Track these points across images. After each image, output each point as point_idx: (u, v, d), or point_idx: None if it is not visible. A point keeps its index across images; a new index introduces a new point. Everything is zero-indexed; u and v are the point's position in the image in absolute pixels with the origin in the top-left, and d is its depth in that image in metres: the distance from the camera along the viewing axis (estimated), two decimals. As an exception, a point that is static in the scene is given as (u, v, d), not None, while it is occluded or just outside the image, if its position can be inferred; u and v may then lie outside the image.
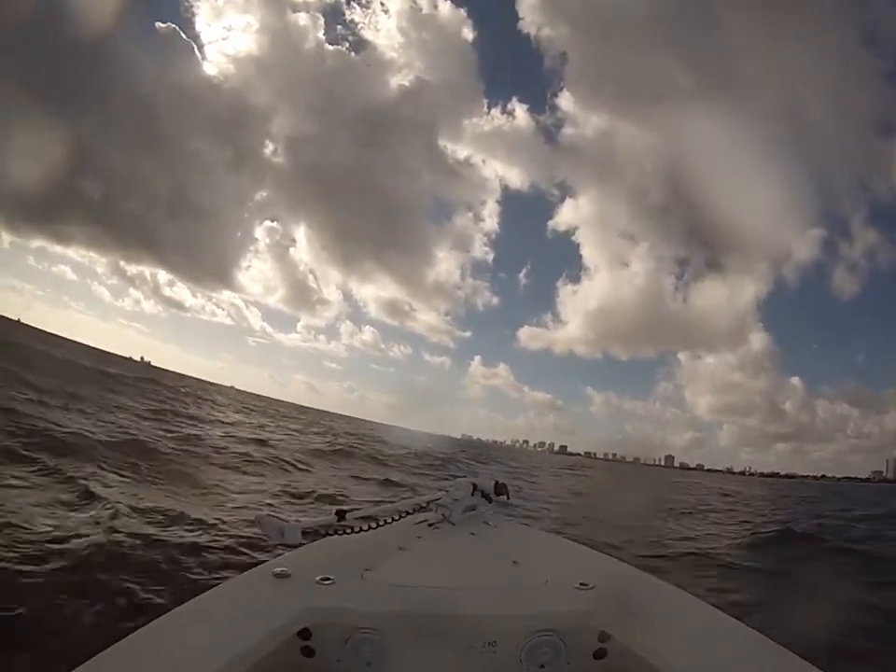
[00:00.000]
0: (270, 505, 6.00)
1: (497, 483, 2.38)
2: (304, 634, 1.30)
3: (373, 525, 1.86)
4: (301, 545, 1.65)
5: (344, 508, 1.88)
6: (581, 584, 1.46)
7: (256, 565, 1.62)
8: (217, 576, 3.38)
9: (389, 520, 1.94)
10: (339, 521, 1.82)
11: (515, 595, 1.47)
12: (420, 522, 2.08)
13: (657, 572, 1.76)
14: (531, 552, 1.86)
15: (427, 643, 1.31)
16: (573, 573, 1.52)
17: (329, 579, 1.44)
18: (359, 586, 1.46)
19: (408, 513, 2.10)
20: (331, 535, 1.75)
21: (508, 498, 2.42)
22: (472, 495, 2.26)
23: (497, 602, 1.42)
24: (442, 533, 2.02)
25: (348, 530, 1.77)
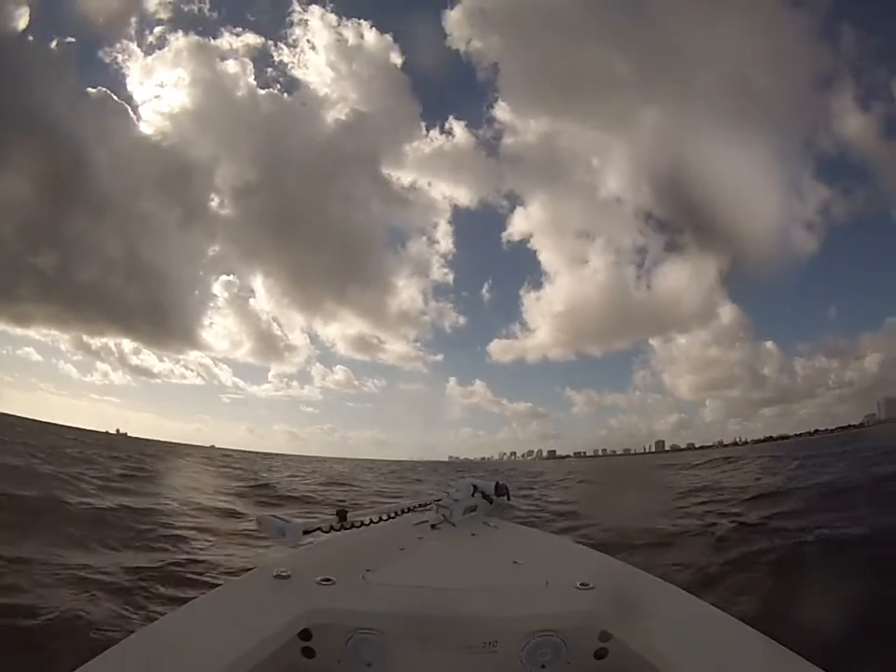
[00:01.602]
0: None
1: (497, 483, 2.38)
2: (305, 635, 1.30)
3: (374, 525, 1.86)
4: (301, 545, 1.66)
5: (345, 508, 1.88)
6: (582, 584, 1.46)
7: (256, 566, 1.63)
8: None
9: (390, 520, 1.94)
10: (340, 521, 1.82)
11: (516, 595, 1.47)
12: (421, 522, 2.08)
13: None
14: (531, 552, 1.86)
15: (427, 644, 1.31)
16: (573, 573, 1.52)
17: (329, 579, 1.44)
18: (360, 587, 1.46)
19: (409, 514, 2.10)
20: (332, 535, 1.75)
21: (508, 499, 2.42)
22: (473, 496, 2.26)
23: (497, 602, 1.42)
24: (443, 533, 2.02)
25: (350, 529, 1.77)
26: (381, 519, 1.97)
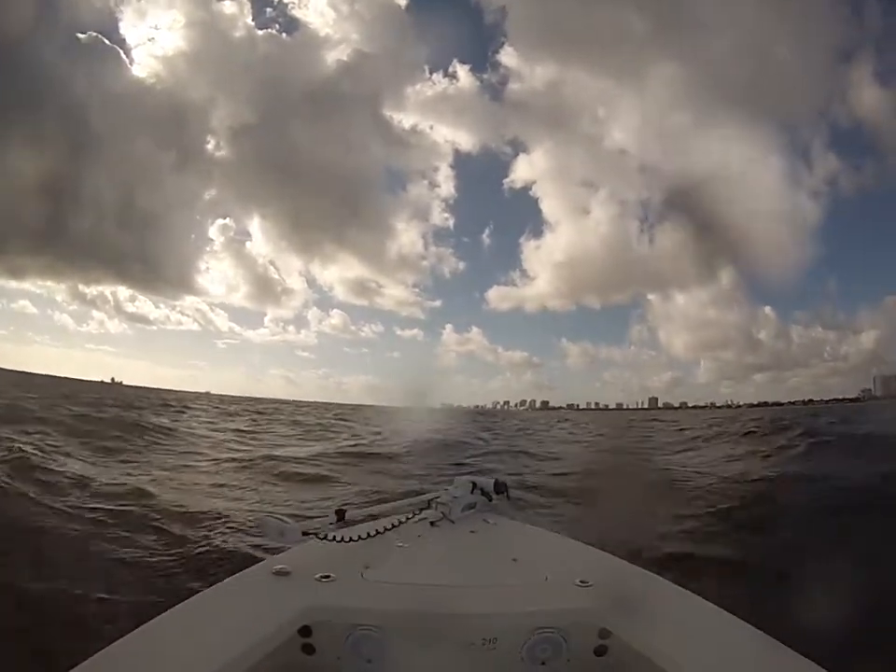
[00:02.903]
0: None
1: (496, 480, 2.37)
2: (305, 631, 1.30)
3: (373, 523, 1.86)
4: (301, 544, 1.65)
5: (344, 507, 1.88)
6: (581, 582, 1.46)
7: (256, 563, 1.62)
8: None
9: (389, 519, 1.94)
10: (338, 520, 1.82)
11: (515, 592, 1.47)
12: (420, 520, 2.08)
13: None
14: (531, 549, 1.86)
15: (427, 641, 1.31)
16: (573, 570, 1.52)
17: (328, 576, 1.44)
18: (359, 584, 1.46)
19: (408, 511, 2.10)
20: (331, 536, 1.74)
21: (508, 497, 2.41)
22: (472, 493, 2.26)
23: (497, 600, 1.42)
24: (442, 531, 2.01)
25: (348, 530, 1.77)
26: (380, 517, 1.96)
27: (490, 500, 2.32)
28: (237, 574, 1.56)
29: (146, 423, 13.21)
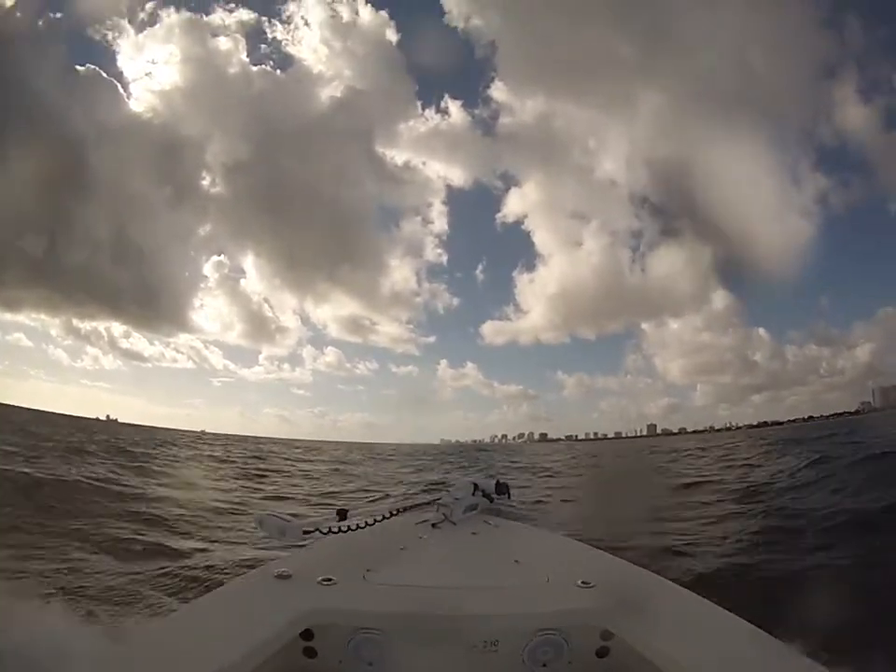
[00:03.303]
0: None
1: (497, 482, 2.37)
2: (306, 635, 1.30)
3: (375, 524, 1.86)
4: (302, 545, 1.66)
5: (346, 508, 1.88)
6: (583, 583, 1.45)
7: (257, 566, 1.62)
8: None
9: (391, 520, 1.94)
10: (340, 521, 1.82)
11: (517, 594, 1.47)
12: (422, 522, 2.08)
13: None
14: (532, 551, 1.86)
15: (429, 643, 1.31)
16: (575, 572, 1.52)
17: (330, 579, 1.44)
18: (361, 587, 1.45)
19: (409, 514, 2.10)
20: (333, 535, 1.75)
21: (509, 498, 2.41)
22: (473, 494, 2.26)
23: (498, 601, 1.42)
24: (444, 533, 2.01)
25: (350, 530, 1.77)
26: (381, 518, 1.96)
27: (491, 502, 2.32)
28: (239, 577, 1.56)
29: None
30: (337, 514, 1.86)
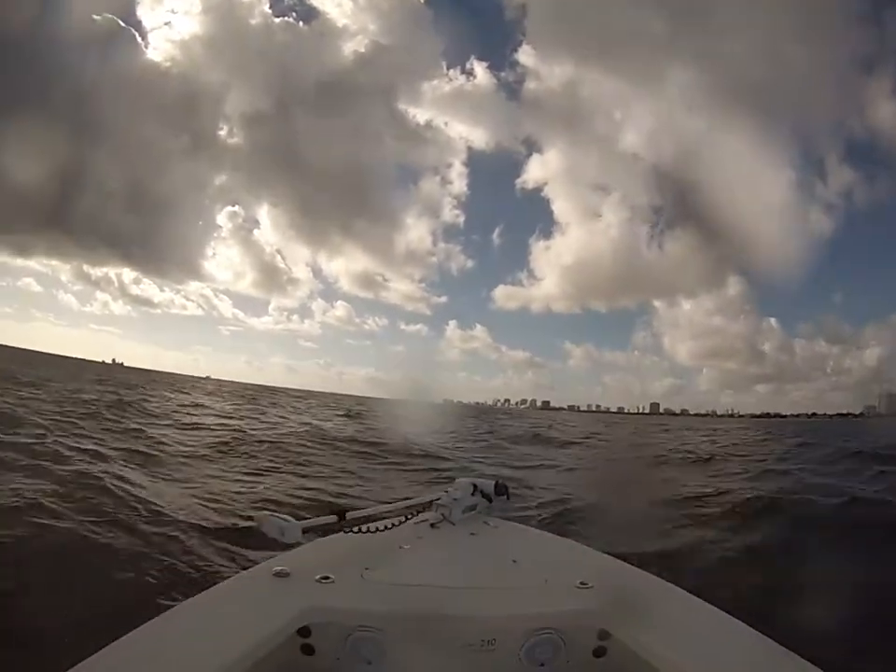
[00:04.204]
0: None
1: (497, 482, 2.37)
2: (304, 632, 1.30)
3: (373, 524, 1.86)
4: (301, 544, 1.66)
5: (344, 507, 1.88)
6: (581, 583, 1.46)
7: (255, 564, 1.63)
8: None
9: (389, 520, 1.94)
10: (339, 520, 1.82)
11: (515, 594, 1.48)
12: (420, 521, 2.08)
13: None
14: (531, 551, 1.86)
15: (426, 642, 1.31)
16: (573, 572, 1.52)
17: (328, 578, 1.44)
18: (359, 585, 1.46)
19: (408, 513, 2.10)
20: (331, 534, 1.75)
21: (508, 498, 2.41)
22: (472, 494, 2.26)
23: (496, 601, 1.42)
24: (442, 533, 2.02)
25: (348, 529, 1.77)
26: (380, 518, 1.96)
27: (490, 502, 2.32)
28: (237, 575, 1.56)
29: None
30: (336, 514, 1.86)
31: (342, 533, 1.76)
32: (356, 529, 1.78)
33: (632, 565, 1.74)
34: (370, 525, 1.85)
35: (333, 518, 1.81)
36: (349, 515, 1.85)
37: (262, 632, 1.20)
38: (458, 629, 1.33)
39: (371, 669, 1.32)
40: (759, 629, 1.28)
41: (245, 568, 1.59)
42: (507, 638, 1.33)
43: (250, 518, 4.17)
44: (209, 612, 1.32)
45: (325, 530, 1.75)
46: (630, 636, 1.26)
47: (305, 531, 1.65)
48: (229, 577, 1.53)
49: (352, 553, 1.65)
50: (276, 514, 1.67)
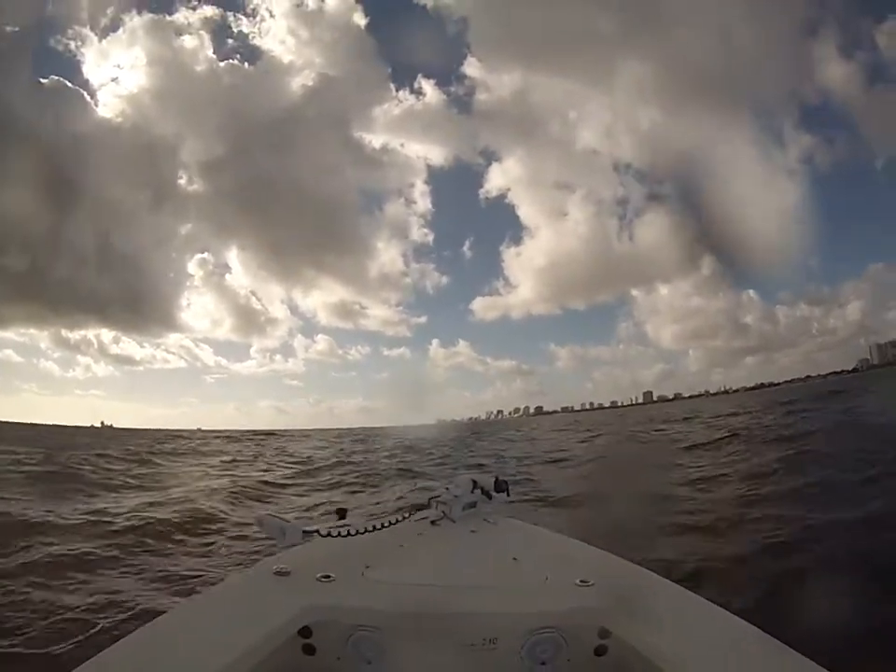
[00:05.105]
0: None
1: (497, 479, 2.37)
2: (305, 632, 1.30)
3: (374, 522, 1.86)
4: (301, 544, 1.65)
5: (345, 507, 1.88)
6: (582, 581, 1.45)
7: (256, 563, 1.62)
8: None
9: (390, 518, 1.94)
10: (339, 520, 1.82)
11: (516, 592, 1.47)
12: (420, 519, 2.08)
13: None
14: (531, 549, 1.86)
15: (427, 641, 1.31)
16: (573, 570, 1.52)
17: (329, 576, 1.44)
18: (360, 584, 1.46)
19: (408, 511, 2.10)
20: (332, 534, 1.75)
21: (508, 495, 2.41)
22: (473, 492, 2.26)
23: (497, 599, 1.42)
24: (443, 530, 2.02)
25: (349, 529, 1.77)
26: (380, 518, 1.96)
27: (490, 499, 2.32)
28: (238, 574, 1.56)
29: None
30: (336, 513, 1.86)
31: (342, 532, 1.75)
32: (356, 528, 1.77)
33: (633, 562, 1.74)
34: (370, 523, 1.85)
35: (334, 518, 1.81)
36: (349, 514, 1.85)
37: (263, 631, 1.19)
38: (459, 628, 1.33)
39: (371, 669, 1.32)
40: (760, 627, 1.29)
41: (246, 568, 1.59)
42: (508, 637, 1.33)
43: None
44: (210, 612, 1.32)
45: (326, 530, 1.75)
46: (631, 633, 1.26)
47: (306, 532, 1.65)
48: (230, 576, 1.52)
49: (352, 552, 1.65)
50: (277, 515, 1.67)
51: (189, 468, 12.84)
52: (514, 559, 1.69)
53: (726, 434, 12.03)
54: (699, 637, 1.27)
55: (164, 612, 1.29)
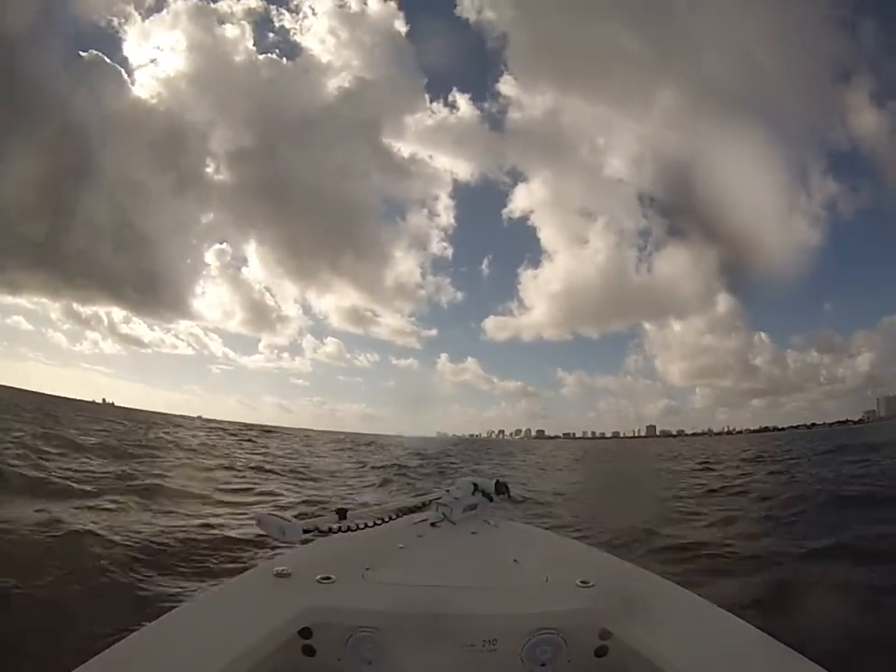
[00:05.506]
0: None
1: (497, 481, 2.37)
2: (305, 633, 1.30)
3: (374, 524, 1.86)
4: (301, 544, 1.65)
5: (345, 507, 1.88)
6: (582, 582, 1.45)
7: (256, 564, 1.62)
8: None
9: (390, 519, 1.94)
10: (340, 520, 1.82)
11: (516, 593, 1.47)
12: (421, 521, 2.08)
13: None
14: (532, 550, 1.86)
15: (427, 642, 1.31)
16: (574, 571, 1.52)
17: (329, 578, 1.44)
18: (360, 585, 1.46)
19: (409, 512, 2.10)
20: (332, 534, 1.75)
21: (509, 498, 2.41)
22: (473, 494, 2.26)
23: (497, 601, 1.42)
24: (443, 532, 2.02)
25: (349, 529, 1.77)
26: (381, 518, 1.97)
27: (491, 501, 2.32)
28: (238, 576, 1.56)
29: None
30: (336, 514, 1.85)
31: (342, 533, 1.75)
32: (356, 529, 1.77)
33: (633, 563, 1.74)
34: (370, 524, 1.85)
35: (334, 518, 1.81)
36: (350, 515, 1.84)
37: (263, 633, 1.19)
38: (459, 629, 1.33)
39: (371, 669, 1.32)
40: (760, 627, 1.29)
41: (246, 569, 1.59)
42: (508, 638, 1.33)
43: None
44: (210, 613, 1.32)
45: (326, 530, 1.75)
46: (631, 635, 1.26)
47: (306, 531, 1.65)
48: (230, 577, 1.53)
49: (353, 553, 1.65)
50: (277, 514, 1.67)
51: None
52: (515, 560, 1.69)
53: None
54: (700, 638, 1.27)
55: (164, 613, 1.29)
